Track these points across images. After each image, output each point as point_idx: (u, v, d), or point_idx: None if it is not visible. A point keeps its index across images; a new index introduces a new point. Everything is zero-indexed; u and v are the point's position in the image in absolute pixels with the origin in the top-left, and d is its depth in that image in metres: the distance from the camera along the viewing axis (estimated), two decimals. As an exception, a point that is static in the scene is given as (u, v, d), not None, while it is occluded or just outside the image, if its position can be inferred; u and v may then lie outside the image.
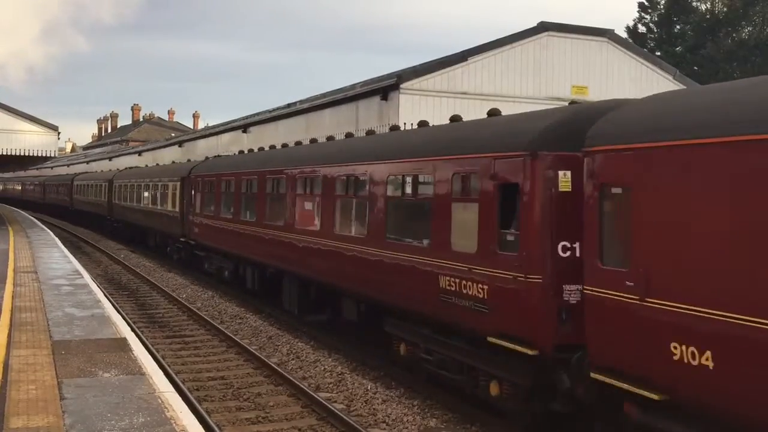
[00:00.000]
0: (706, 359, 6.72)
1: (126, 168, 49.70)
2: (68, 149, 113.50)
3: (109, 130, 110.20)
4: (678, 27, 52.06)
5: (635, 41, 44.76)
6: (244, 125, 37.88)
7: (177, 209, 28.39)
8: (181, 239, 27.84)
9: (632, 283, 7.54)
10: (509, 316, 9.36)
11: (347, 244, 14.19)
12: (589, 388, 8.52)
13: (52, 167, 78.90)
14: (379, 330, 13.36)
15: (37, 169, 77.47)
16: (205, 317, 18.76)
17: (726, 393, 6.65)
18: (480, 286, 9.84)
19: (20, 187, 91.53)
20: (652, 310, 7.30)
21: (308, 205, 16.72)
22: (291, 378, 12.95)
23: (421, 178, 11.91)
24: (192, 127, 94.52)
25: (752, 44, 47.52)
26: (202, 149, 43.14)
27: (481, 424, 10.72)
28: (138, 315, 19.57)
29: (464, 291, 10.19)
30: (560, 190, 8.89)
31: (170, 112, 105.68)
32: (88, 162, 76.73)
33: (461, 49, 26.13)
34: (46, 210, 69.29)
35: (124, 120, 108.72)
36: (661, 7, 52.81)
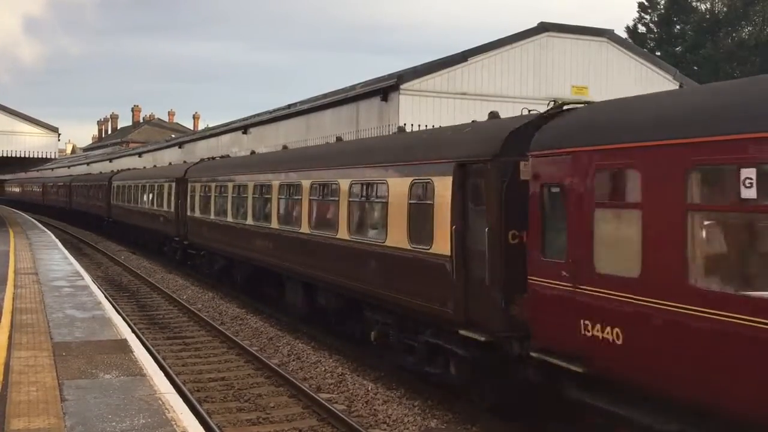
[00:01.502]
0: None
1: (205, 159, 31.33)
2: (68, 150, 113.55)
3: (110, 132, 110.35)
4: (678, 27, 52.05)
5: (635, 41, 44.75)
6: (244, 126, 37.87)
7: (445, 249, 11.00)
8: (465, 333, 10.57)
9: None
10: None
11: None
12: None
13: (52, 168, 78.77)
14: None
15: (38, 170, 77.34)
16: (206, 318, 18.77)
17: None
18: None
19: (41, 189, 74.48)
20: None
21: None
22: (292, 379, 12.96)
23: None
24: (192, 128, 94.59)
25: (752, 44, 47.49)
26: (202, 150, 43.14)
27: (481, 424, 10.72)
28: (138, 316, 19.57)
29: None
30: None
31: (170, 114, 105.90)
32: (88, 163, 76.60)
33: (461, 50, 26.15)
34: (74, 219, 55.97)
35: (125, 121, 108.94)
36: (661, 7, 52.81)
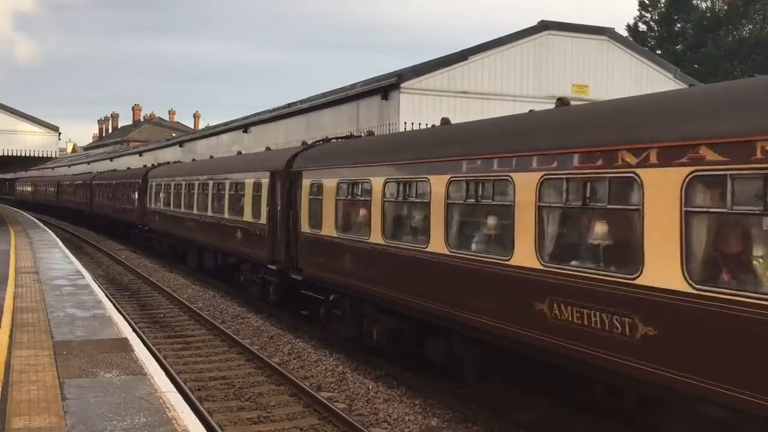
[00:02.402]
0: None
1: (322, 140, 19.49)
2: (69, 150, 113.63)
3: (110, 131, 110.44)
4: (678, 25, 52.08)
5: (636, 39, 44.79)
6: (245, 125, 37.88)
7: None
8: None
9: None
10: None
11: None
12: None
13: (53, 168, 78.92)
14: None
15: (38, 169, 77.48)
16: (207, 317, 18.76)
17: None
18: None
19: (55, 189, 64.77)
20: None
21: None
22: (292, 378, 12.96)
23: None
24: (193, 127, 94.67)
25: (753, 42, 47.53)
26: (203, 149, 43.15)
27: (482, 423, 10.72)
28: (139, 315, 19.57)
29: None
30: None
31: (171, 113, 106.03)
32: (89, 162, 76.71)
33: (461, 49, 26.15)
34: (96, 225, 47.39)
35: (125, 120, 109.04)
36: (662, 5, 52.83)
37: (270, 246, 18.33)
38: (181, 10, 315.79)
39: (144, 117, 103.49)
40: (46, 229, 39.94)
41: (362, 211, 13.72)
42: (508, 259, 9.60)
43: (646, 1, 53.21)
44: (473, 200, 10.61)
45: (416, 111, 23.79)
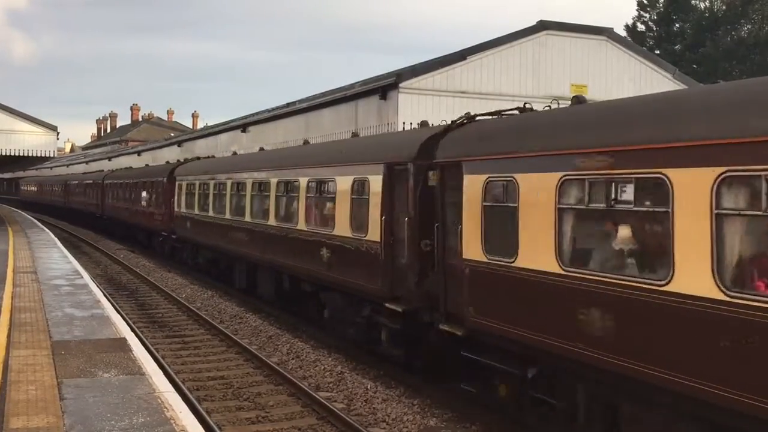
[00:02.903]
0: None
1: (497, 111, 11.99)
2: (67, 149, 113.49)
3: (108, 130, 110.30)
4: (677, 25, 52.14)
5: (634, 40, 44.80)
6: (244, 125, 37.85)
7: None
8: None
9: None
10: None
11: None
12: None
13: (51, 167, 78.82)
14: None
15: (37, 169, 77.37)
16: (205, 317, 18.75)
17: None
18: None
19: (62, 189, 60.16)
20: None
21: None
22: (291, 377, 12.96)
23: None
24: (191, 127, 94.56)
25: (751, 42, 47.58)
26: (201, 149, 43.12)
27: (481, 423, 10.71)
28: (138, 315, 19.56)
29: None
30: None
31: (169, 112, 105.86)
32: (87, 162, 76.62)
33: (459, 49, 26.15)
34: (109, 231, 43.23)
35: (124, 120, 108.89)
36: (661, 5, 52.86)
37: (389, 275, 12.69)
38: (180, 10, 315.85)
39: (142, 117, 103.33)
40: (45, 228, 39.90)
41: (641, 234, 7.89)
42: None
43: (645, 2, 53.23)
44: None
45: (415, 111, 23.76)
